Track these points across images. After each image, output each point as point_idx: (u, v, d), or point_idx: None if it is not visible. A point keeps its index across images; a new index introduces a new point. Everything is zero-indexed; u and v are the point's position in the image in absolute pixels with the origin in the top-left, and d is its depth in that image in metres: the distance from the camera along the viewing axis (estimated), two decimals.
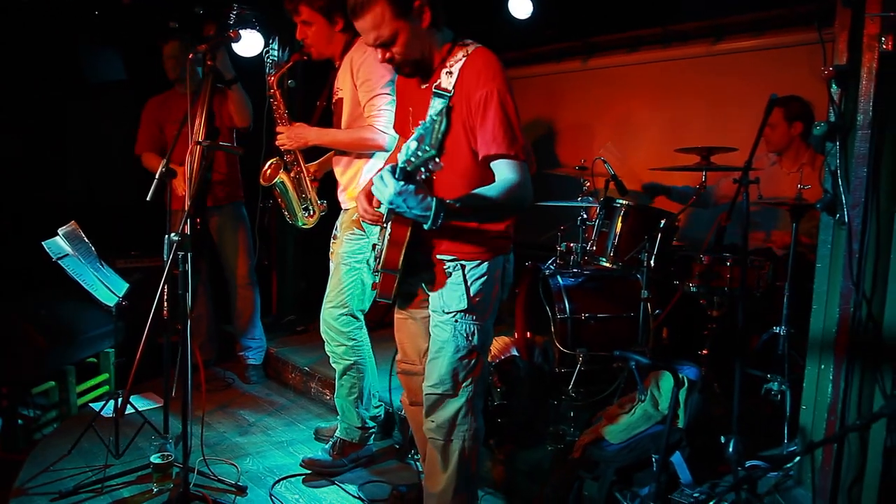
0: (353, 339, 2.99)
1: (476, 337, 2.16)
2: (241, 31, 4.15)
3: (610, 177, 3.74)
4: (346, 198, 2.99)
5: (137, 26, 4.31)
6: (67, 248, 2.94)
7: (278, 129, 3.08)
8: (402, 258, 2.03)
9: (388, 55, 2.02)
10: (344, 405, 3.03)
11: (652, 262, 3.09)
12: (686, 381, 2.57)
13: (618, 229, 3.22)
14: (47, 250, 2.88)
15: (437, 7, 1.99)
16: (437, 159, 1.65)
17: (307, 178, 3.17)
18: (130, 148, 4.10)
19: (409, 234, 2.01)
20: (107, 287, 3.03)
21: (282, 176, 3.17)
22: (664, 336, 3.40)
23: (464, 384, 2.16)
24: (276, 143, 3.09)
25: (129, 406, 3.20)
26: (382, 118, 2.77)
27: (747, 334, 3.12)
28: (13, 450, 3.46)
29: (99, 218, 4.93)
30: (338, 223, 3.09)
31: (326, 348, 3.03)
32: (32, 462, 3.05)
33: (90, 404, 3.77)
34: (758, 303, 3.14)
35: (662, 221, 3.11)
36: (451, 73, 1.99)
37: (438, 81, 2.01)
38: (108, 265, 3.19)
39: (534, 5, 4.29)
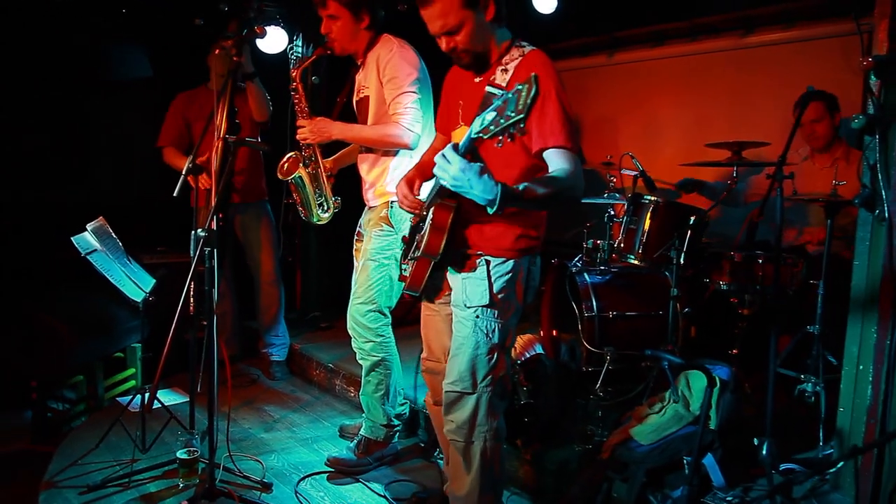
0: (381, 336, 2.97)
1: (497, 334, 2.16)
2: (266, 28, 4.20)
3: (638, 172, 3.68)
4: (373, 195, 2.97)
5: (163, 23, 4.33)
6: (96, 244, 2.96)
7: (300, 122, 3.04)
8: (443, 243, 2.09)
9: (451, 44, 2.05)
10: (370, 402, 3.02)
11: (681, 259, 3.03)
12: (718, 381, 2.52)
13: (646, 226, 3.17)
14: (76, 245, 2.90)
15: (500, 3, 2.04)
16: (523, 125, 1.64)
17: (324, 174, 3.14)
18: (155, 143, 4.12)
19: (451, 219, 2.08)
20: (134, 283, 3.04)
21: (300, 171, 3.14)
22: (693, 335, 3.34)
23: (482, 382, 2.15)
24: (298, 136, 3.05)
25: (157, 401, 3.23)
26: (408, 116, 2.74)
27: (779, 334, 3.06)
28: (43, 442, 3.51)
29: (125, 214, 5.00)
30: (362, 220, 3.07)
31: (354, 345, 3.02)
32: (61, 455, 3.08)
33: (117, 398, 3.79)
34: (790, 301, 3.08)
35: (692, 218, 3.05)
36: (506, 70, 2.03)
37: (493, 77, 2.05)
38: (135, 261, 3.21)
39: (558, 0, 4.24)
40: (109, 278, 2.93)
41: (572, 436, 2.89)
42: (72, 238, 2.91)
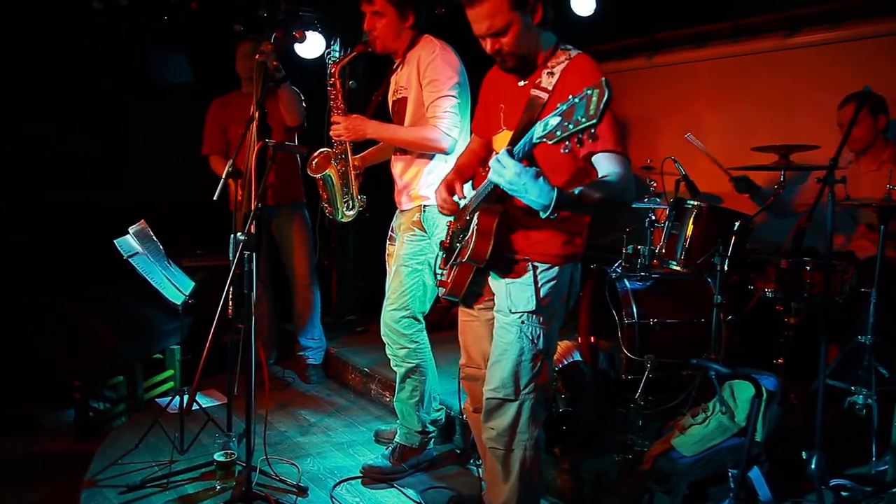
0: (416, 342, 2.94)
1: (542, 340, 2.12)
2: (305, 33, 4.24)
3: (681, 177, 3.60)
4: (406, 198, 2.94)
5: (203, 29, 4.39)
6: (137, 247, 3.00)
7: (335, 118, 3.01)
8: (490, 249, 2.06)
9: (496, 46, 2.02)
10: (404, 409, 3.00)
11: (725, 265, 2.95)
12: (765, 391, 2.44)
13: (689, 231, 3.09)
14: (119, 248, 2.94)
15: (548, 6, 2.01)
16: (595, 130, 1.56)
17: (353, 172, 3.11)
18: (195, 148, 4.17)
19: (496, 224, 2.05)
20: (174, 286, 3.08)
21: (330, 169, 3.12)
22: (737, 344, 3.24)
23: (525, 389, 2.11)
24: (332, 132, 3.02)
25: (195, 403, 3.26)
26: (447, 120, 2.71)
27: (828, 344, 2.96)
28: (85, 441, 3.56)
29: (165, 216, 5.09)
30: (395, 224, 3.05)
31: (388, 351, 3.00)
32: (102, 455, 3.13)
33: (156, 399, 3.84)
34: (840, 310, 2.97)
35: (737, 224, 2.97)
36: (552, 73, 1.99)
37: (539, 80, 2.01)
38: (174, 263, 3.25)
39: (597, 2, 4.18)
40: (150, 281, 2.97)
41: (612, 445, 2.83)
42: (114, 241, 2.96)
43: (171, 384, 4.07)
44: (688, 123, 4.71)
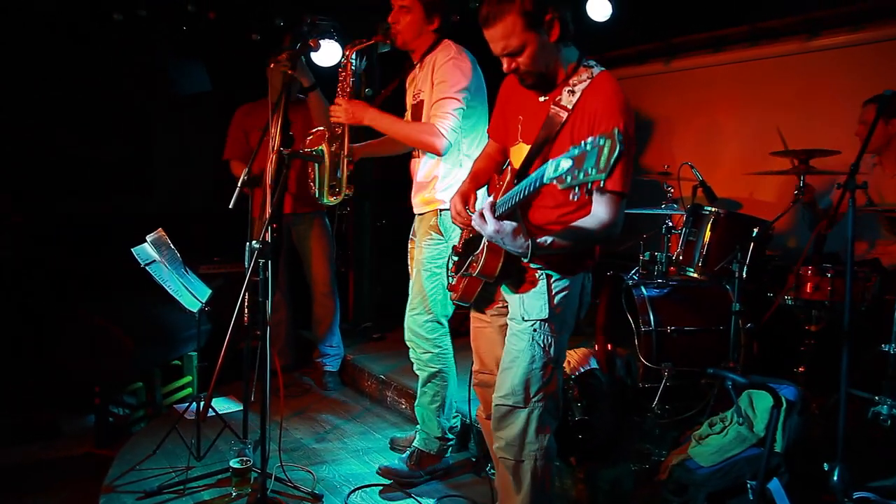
0: (439, 346, 2.94)
1: (553, 349, 2.12)
2: (320, 41, 4.26)
3: (698, 182, 3.56)
4: (419, 202, 2.94)
5: (221, 39, 4.44)
6: (155, 255, 3.03)
7: (337, 100, 2.95)
8: (500, 265, 2.08)
9: (513, 65, 2.01)
10: (425, 414, 2.99)
11: (744, 272, 2.91)
12: (785, 401, 2.39)
13: (706, 238, 3.06)
14: (136, 257, 2.98)
15: (566, 23, 1.97)
16: (603, 184, 1.58)
17: (345, 159, 3.02)
18: (214, 155, 4.21)
19: None
20: (191, 293, 3.11)
21: (323, 146, 3.01)
22: (756, 352, 3.20)
23: (535, 397, 2.11)
24: (331, 112, 2.96)
25: (212, 410, 3.29)
26: (446, 121, 2.68)
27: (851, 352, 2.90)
28: (105, 446, 3.61)
29: (185, 223, 5.16)
30: (414, 227, 3.05)
31: (411, 355, 3.00)
32: (121, 460, 3.16)
33: (174, 405, 3.88)
34: (862, 318, 2.91)
35: (755, 230, 2.92)
36: (573, 91, 1.98)
37: (559, 98, 2.00)
38: (192, 271, 3.28)
39: (613, 7, 4.16)
40: (167, 289, 2.99)
41: (628, 454, 2.80)
42: (132, 249, 2.99)
43: (189, 390, 4.11)
44: (706, 128, 4.68)
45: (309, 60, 4.14)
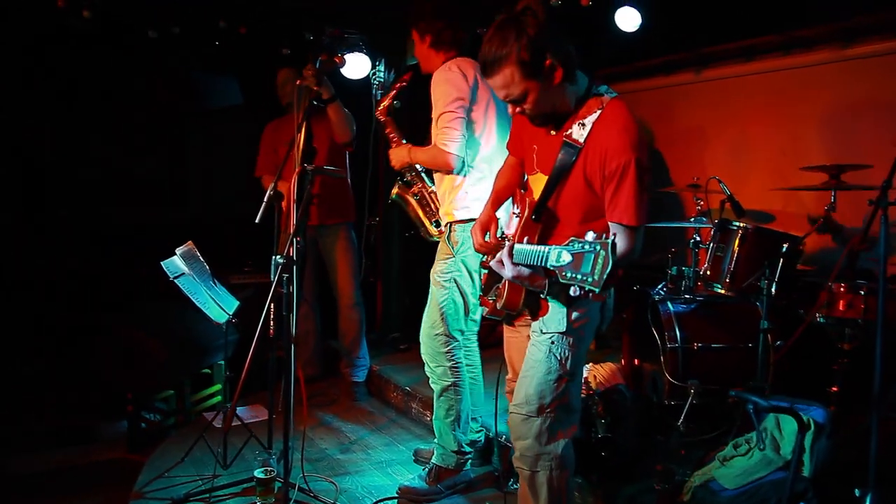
0: (452, 360, 2.95)
1: (569, 362, 2.13)
2: (347, 55, 4.32)
3: (726, 197, 3.50)
4: (441, 213, 3.00)
5: (252, 53, 4.54)
6: (184, 268, 3.10)
7: (389, 152, 3.18)
8: (522, 300, 2.13)
9: (518, 109, 2.03)
10: (441, 427, 3.00)
11: (773, 289, 2.85)
12: (812, 423, 2.34)
13: (734, 253, 3.01)
14: (165, 270, 3.05)
15: (570, 64, 1.94)
16: (598, 291, 1.64)
17: (430, 195, 3.19)
18: (247, 166, 4.29)
19: None
20: (218, 305, 3.17)
21: (395, 191, 3.25)
22: (787, 370, 3.12)
23: (548, 408, 2.12)
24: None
25: (237, 419, 3.35)
26: (442, 135, 2.76)
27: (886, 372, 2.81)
28: (137, 451, 3.69)
29: (216, 233, 5.27)
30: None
31: (426, 369, 3.02)
32: (150, 467, 3.24)
33: (204, 413, 3.95)
34: None
35: (785, 245, 2.86)
36: (583, 125, 1.98)
37: (570, 132, 2.00)
38: (222, 281, 3.35)
39: (642, 17, 4.12)
40: (194, 301, 3.06)
41: (651, 473, 2.75)
42: (161, 263, 3.07)
43: (218, 398, 4.18)
44: (737, 139, 4.60)
45: (336, 72, 4.22)
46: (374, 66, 4.59)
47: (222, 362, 4.12)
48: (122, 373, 3.81)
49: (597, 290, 1.62)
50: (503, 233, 2.33)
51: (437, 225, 3.21)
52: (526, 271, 1.92)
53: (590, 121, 1.96)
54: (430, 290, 2.98)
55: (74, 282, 4.97)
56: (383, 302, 5.11)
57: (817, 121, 4.15)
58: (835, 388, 2.96)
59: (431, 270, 2.99)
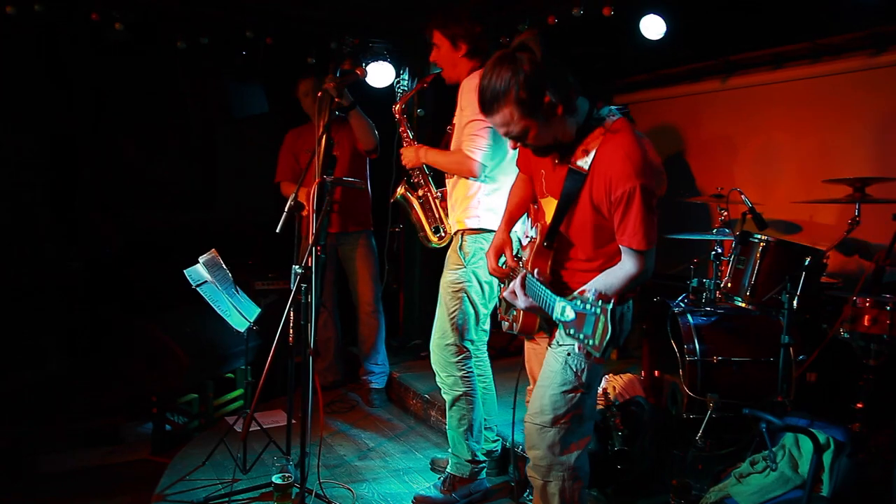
0: (462, 370, 2.95)
1: (585, 374, 2.13)
2: (370, 65, 4.37)
3: (747, 209, 3.45)
4: (452, 221, 3.00)
5: (279, 62, 4.61)
6: (206, 276, 3.16)
7: (401, 150, 3.19)
8: (537, 324, 2.17)
9: (520, 143, 2.04)
10: (454, 437, 3.01)
11: (794, 303, 2.80)
12: (832, 442, 2.29)
13: (756, 267, 2.96)
14: (188, 278, 3.11)
15: (569, 97, 1.92)
16: (598, 355, 1.68)
17: (434, 200, 3.19)
18: (273, 173, 4.36)
19: None
20: (239, 312, 3.22)
21: (401, 191, 3.23)
22: (809, 386, 3.06)
23: (562, 419, 2.12)
24: (402, 161, 3.19)
25: (256, 424, 3.40)
26: (470, 143, 2.76)
27: None
28: (161, 453, 3.76)
29: (243, 238, 5.36)
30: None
31: (437, 380, 3.03)
32: (172, 470, 3.30)
33: (226, 417, 4.02)
34: None
35: (807, 259, 2.81)
36: (587, 151, 1.97)
37: (574, 159, 2.00)
38: (245, 287, 3.40)
39: (667, 25, 4.08)
40: (216, 309, 3.11)
41: (667, 487, 2.73)
42: (184, 271, 3.13)
43: (240, 402, 4.25)
44: (764, 148, 4.53)
45: (363, 82, 4.27)
46: (398, 75, 4.63)
47: (246, 367, 4.18)
48: (147, 375, 3.89)
49: (597, 354, 1.65)
50: (519, 251, 2.34)
51: (437, 231, 3.20)
52: (538, 304, 1.95)
53: (593, 147, 1.95)
54: (440, 300, 2.99)
55: (104, 283, 5.09)
56: (405, 309, 5.14)
57: (847, 130, 4.07)
58: (860, 405, 2.89)
59: (441, 280, 2.99)
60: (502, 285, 2.39)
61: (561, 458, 2.13)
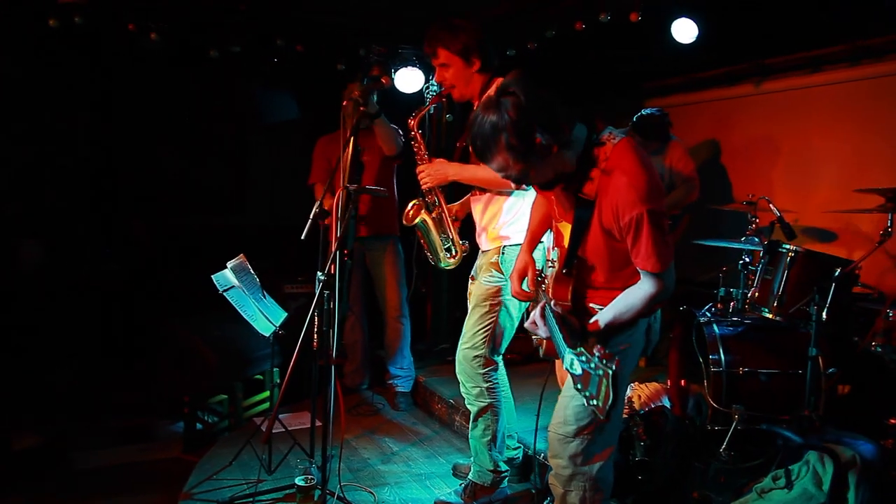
0: (489, 382, 2.94)
1: None
2: (400, 71, 4.40)
3: (776, 218, 3.37)
4: (485, 239, 2.97)
5: (309, 69, 4.68)
6: (234, 281, 3.22)
7: (418, 168, 3.09)
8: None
9: (521, 184, 2.07)
10: (477, 446, 3.01)
11: (823, 315, 2.73)
12: (859, 459, 2.23)
13: (783, 277, 2.90)
14: (215, 283, 3.18)
15: (561, 133, 1.90)
16: (602, 417, 1.71)
17: (448, 218, 3.14)
18: (303, 176, 4.43)
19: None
20: (265, 317, 3.28)
21: (423, 216, 3.17)
22: (839, 399, 2.98)
23: (585, 431, 2.11)
24: (419, 180, 3.10)
25: (281, 427, 3.46)
26: None
27: None
28: (192, 452, 3.86)
29: (275, 241, 5.45)
30: (477, 264, 3.08)
31: (461, 389, 3.03)
32: (200, 469, 3.38)
33: (254, 418, 4.10)
34: None
35: (837, 270, 2.74)
36: (591, 179, 1.96)
37: (580, 188, 1.99)
38: (275, 290, 3.46)
39: (699, 28, 4.02)
40: (242, 314, 3.18)
41: (688, 500, 2.69)
42: (212, 276, 3.20)
43: (268, 404, 4.33)
44: (799, 154, 4.43)
45: (393, 88, 4.30)
46: (427, 80, 4.66)
47: (272, 369, 4.26)
48: (178, 376, 4.00)
49: (601, 416, 1.68)
50: (544, 269, 2.34)
51: (449, 252, 3.14)
52: (560, 335, 1.96)
53: (596, 175, 1.94)
54: (470, 312, 2.96)
55: (139, 286, 5.24)
56: (433, 313, 5.16)
57: (886, 135, 3.95)
58: (893, 420, 2.82)
59: (474, 291, 2.97)
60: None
61: (583, 468, 2.13)
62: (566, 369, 1.82)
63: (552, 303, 2.04)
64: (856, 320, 2.92)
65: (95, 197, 5.35)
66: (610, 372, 1.64)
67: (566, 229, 2.11)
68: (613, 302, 2.01)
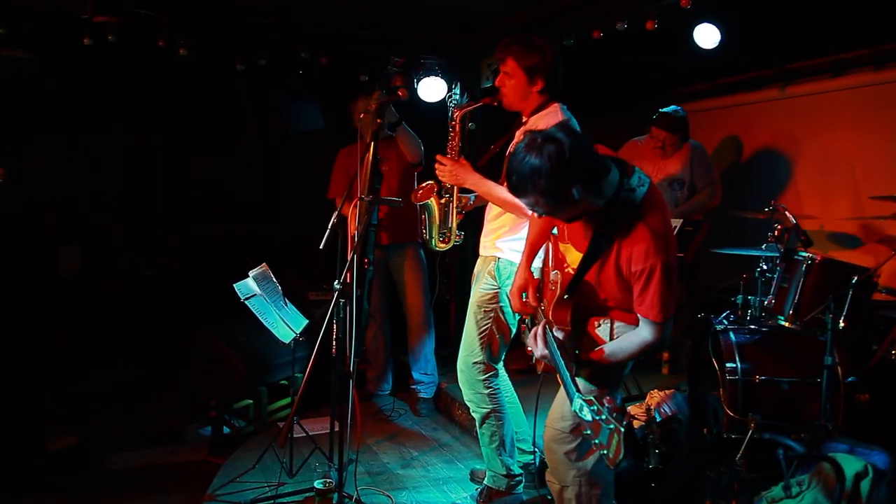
0: (489, 388, 2.98)
1: None
2: (423, 80, 4.46)
3: (792, 226, 3.34)
4: (487, 244, 3.00)
5: (334, 81, 4.78)
6: (256, 289, 3.32)
7: (441, 158, 3.03)
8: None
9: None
10: (487, 452, 3.05)
11: (839, 324, 2.71)
12: (871, 469, 2.21)
13: (800, 285, 2.88)
14: (237, 291, 3.28)
15: (597, 185, 1.96)
16: (612, 468, 1.73)
17: (454, 210, 3.13)
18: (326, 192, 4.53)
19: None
20: (286, 324, 3.36)
21: (432, 200, 3.16)
22: (862, 407, 2.94)
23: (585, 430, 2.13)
24: (436, 170, 3.05)
25: (302, 431, 3.54)
26: None
27: None
28: (218, 455, 3.97)
29: (306, 248, 5.55)
30: (476, 269, 3.09)
31: (464, 396, 3.08)
32: (224, 471, 3.49)
33: (278, 423, 4.20)
34: None
35: (854, 278, 2.71)
36: (614, 221, 2.00)
37: (601, 224, 2.02)
38: (299, 298, 3.54)
39: (722, 33, 3.99)
40: (263, 321, 3.27)
41: None
42: (234, 285, 3.31)
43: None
44: (824, 158, 4.37)
45: (415, 96, 4.38)
46: (449, 90, 4.70)
47: (299, 374, 4.35)
48: (206, 380, 4.12)
49: (612, 467, 1.69)
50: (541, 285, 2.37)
51: (443, 238, 3.14)
52: (553, 365, 2.02)
53: (620, 217, 1.97)
54: (469, 318, 3.01)
55: (172, 292, 5.41)
56: (456, 320, 5.20)
57: None
58: None
59: (471, 299, 3.02)
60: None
61: (577, 463, 2.18)
62: (574, 412, 1.84)
63: (554, 328, 2.07)
64: (876, 328, 2.87)
65: (132, 208, 5.54)
66: (622, 429, 1.66)
67: (571, 254, 2.14)
68: (608, 345, 2.11)
